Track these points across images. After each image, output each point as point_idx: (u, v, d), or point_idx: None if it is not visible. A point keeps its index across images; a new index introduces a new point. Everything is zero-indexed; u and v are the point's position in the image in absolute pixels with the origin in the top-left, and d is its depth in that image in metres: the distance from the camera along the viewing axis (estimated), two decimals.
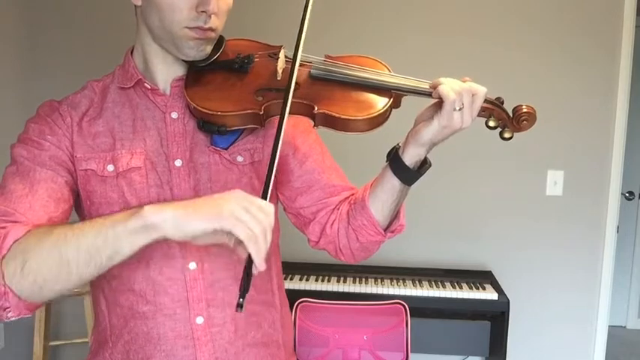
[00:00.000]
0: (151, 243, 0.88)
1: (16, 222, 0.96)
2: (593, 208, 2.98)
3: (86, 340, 2.68)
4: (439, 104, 1.02)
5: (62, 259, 0.89)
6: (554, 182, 2.98)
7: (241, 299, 0.85)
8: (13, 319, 0.93)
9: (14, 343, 2.92)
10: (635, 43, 2.94)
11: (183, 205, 0.89)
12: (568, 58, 2.91)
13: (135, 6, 1.10)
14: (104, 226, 0.89)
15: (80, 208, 1.11)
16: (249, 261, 0.86)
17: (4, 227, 0.94)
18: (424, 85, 1.06)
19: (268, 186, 0.94)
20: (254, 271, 0.86)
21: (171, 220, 0.86)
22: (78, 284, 0.92)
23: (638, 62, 3.29)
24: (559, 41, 2.91)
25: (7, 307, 0.92)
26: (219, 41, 1.13)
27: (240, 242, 0.86)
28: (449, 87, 1.00)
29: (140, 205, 0.88)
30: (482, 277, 2.86)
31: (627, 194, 4.02)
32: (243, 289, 0.86)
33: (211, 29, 1.06)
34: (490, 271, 2.96)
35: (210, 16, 1.04)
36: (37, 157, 1.05)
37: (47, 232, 0.92)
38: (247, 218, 0.85)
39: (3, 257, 0.91)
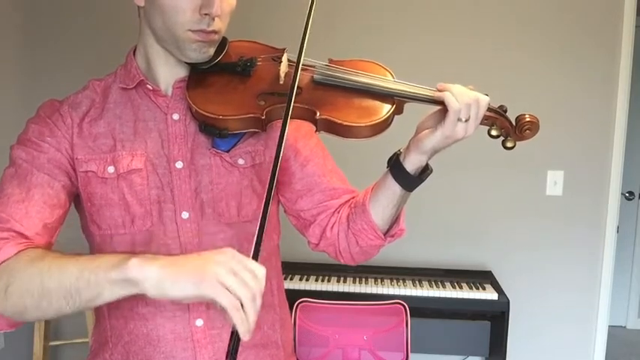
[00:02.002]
0: (131, 295, 0.87)
1: (10, 230, 0.98)
2: (593, 208, 2.98)
3: (86, 340, 2.68)
4: (443, 112, 1.01)
5: (43, 291, 0.90)
6: (554, 182, 2.98)
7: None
8: None
9: (14, 343, 2.92)
10: (635, 43, 2.94)
11: (170, 262, 0.86)
12: (568, 58, 2.91)
13: (138, 7, 1.10)
14: (87, 269, 0.88)
15: (82, 209, 1.11)
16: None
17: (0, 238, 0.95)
18: (427, 92, 1.05)
19: (259, 244, 0.89)
20: (242, 337, 0.82)
21: (153, 280, 0.84)
22: (57, 315, 0.94)
23: (638, 62, 3.29)
24: (559, 41, 2.90)
25: None
26: (222, 43, 1.12)
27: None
28: (455, 96, 0.99)
29: (128, 255, 0.87)
30: (482, 277, 2.86)
31: (627, 194, 4.02)
32: (232, 352, 0.83)
33: (214, 32, 1.06)
34: (490, 271, 2.97)
35: (213, 19, 1.03)
36: (36, 159, 1.05)
37: (36, 259, 0.93)
38: (234, 284, 0.81)
39: None
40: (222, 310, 0.82)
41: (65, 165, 1.07)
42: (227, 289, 0.81)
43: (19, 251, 0.95)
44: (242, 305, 0.82)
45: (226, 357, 0.83)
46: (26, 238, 0.99)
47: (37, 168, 1.04)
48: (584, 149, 2.95)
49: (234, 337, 0.83)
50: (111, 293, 0.87)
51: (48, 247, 1.03)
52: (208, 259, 0.85)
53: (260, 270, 0.85)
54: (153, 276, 0.84)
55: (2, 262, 0.93)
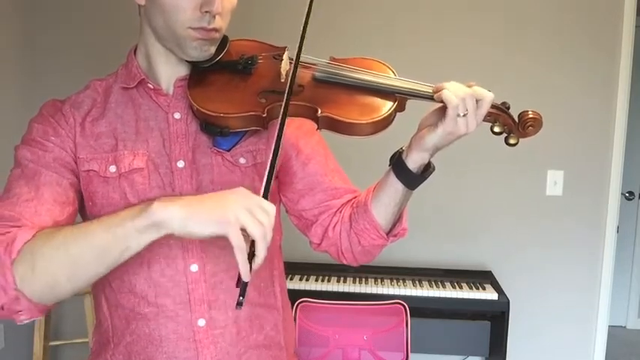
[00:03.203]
0: (159, 238, 0.90)
1: (21, 227, 0.96)
2: (593, 208, 2.98)
3: (86, 340, 2.68)
4: (443, 109, 1.01)
5: (72, 258, 0.91)
6: (554, 182, 2.98)
7: (241, 297, 0.88)
8: (26, 321, 0.95)
9: (14, 343, 2.92)
10: (635, 43, 2.94)
11: (189, 202, 0.90)
12: (568, 59, 2.91)
13: (138, 6, 1.09)
14: (112, 224, 0.90)
15: (83, 209, 1.11)
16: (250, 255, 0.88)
17: (10, 232, 0.94)
18: (429, 89, 1.05)
19: (269, 183, 0.94)
20: (243, 278, 0.87)
21: (178, 219, 0.88)
22: (90, 282, 0.96)
23: (638, 62, 3.29)
24: (559, 41, 2.91)
25: (20, 311, 0.93)
26: (223, 41, 1.12)
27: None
28: (452, 92, 0.99)
29: (149, 201, 0.89)
30: (482, 277, 2.86)
31: (627, 194, 4.02)
32: (242, 288, 0.88)
33: (215, 30, 1.05)
34: (490, 271, 2.97)
35: (214, 17, 1.03)
36: (42, 158, 1.05)
37: (55, 232, 0.94)
38: (250, 223, 0.87)
39: (13, 261, 0.91)
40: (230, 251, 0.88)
41: (71, 163, 1.07)
42: (244, 227, 0.87)
43: (36, 233, 0.94)
44: (255, 242, 0.87)
45: (239, 294, 0.88)
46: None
47: (43, 167, 1.04)
48: (584, 149, 2.95)
49: (241, 280, 0.88)
50: (139, 242, 0.90)
51: None
52: (226, 198, 0.90)
53: (271, 207, 0.90)
54: (177, 215, 0.88)
55: (23, 245, 0.92)
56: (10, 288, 0.91)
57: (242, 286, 0.88)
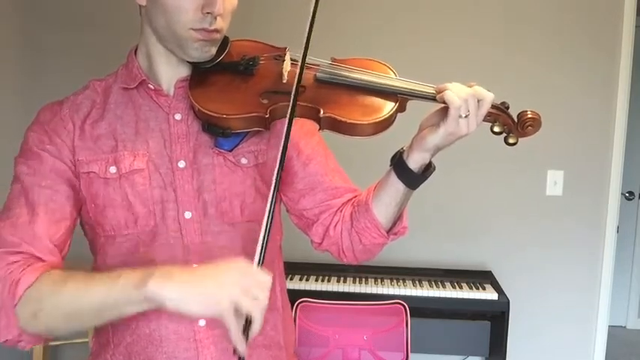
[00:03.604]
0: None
1: (23, 253, 1.00)
2: (593, 208, 2.98)
3: (86, 340, 2.67)
4: (444, 110, 1.02)
5: (74, 313, 0.96)
6: (554, 182, 2.98)
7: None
8: (26, 349, 1.03)
9: None
10: (635, 43, 2.94)
11: (186, 280, 0.91)
12: (568, 58, 2.92)
13: (139, 6, 1.09)
14: (112, 289, 0.93)
15: (85, 211, 1.10)
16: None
17: (15, 262, 0.98)
18: (430, 90, 1.05)
19: (264, 251, 0.94)
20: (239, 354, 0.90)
21: (173, 301, 0.89)
22: (89, 328, 1.03)
23: (638, 62, 3.29)
24: (559, 41, 2.91)
25: (21, 341, 1.00)
26: (224, 42, 1.12)
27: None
28: (454, 93, 1.00)
29: (148, 273, 0.91)
30: (482, 277, 2.86)
31: (627, 194, 4.02)
32: None
33: (216, 31, 1.05)
34: (490, 271, 2.97)
35: (215, 18, 1.03)
36: (38, 172, 1.05)
37: (57, 285, 0.97)
38: (245, 302, 0.87)
39: (15, 305, 0.96)
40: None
41: (67, 173, 1.07)
42: (239, 308, 0.88)
43: (39, 275, 0.98)
44: (251, 320, 0.88)
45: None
46: (39, 259, 1.01)
47: (39, 183, 1.05)
48: (584, 149, 2.96)
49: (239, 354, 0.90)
50: (135, 309, 0.94)
51: (62, 261, 1.06)
52: (222, 279, 0.90)
53: (267, 280, 0.91)
54: (172, 297, 0.90)
55: (25, 290, 0.96)
56: (14, 327, 0.97)
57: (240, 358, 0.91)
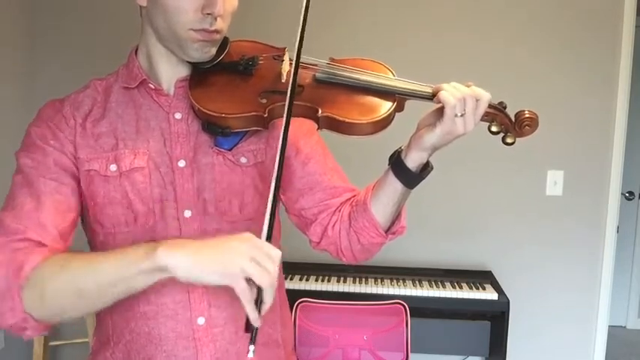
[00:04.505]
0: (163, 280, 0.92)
1: (28, 239, 0.99)
2: (593, 208, 2.98)
3: (86, 340, 2.68)
4: (441, 110, 1.02)
5: (80, 293, 0.94)
6: (554, 182, 2.98)
7: (252, 346, 0.89)
8: (32, 337, 1.00)
9: (14, 343, 2.92)
10: (635, 43, 2.94)
11: (195, 250, 0.90)
12: (568, 58, 2.92)
13: (140, 6, 1.10)
14: (120, 264, 0.92)
15: (84, 208, 1.11)
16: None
17: (19, 249, 0.97)
18: (427, 90, 1.06)
19: (272, 227, 0.94)
20: (253, 324, 0.88)
21: (182, 268, 0.89)
22: (96, 310, 1.01)
23: (638, 62, 3.30)
24: (559, 41, 2.91)
25: (26, 328, 0.97)
26: (224, 42, 1.13)
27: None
28: (449, 93, 1.00)
29: (155, 244, 0.91)
30: (482, 277, 2.87)
31: (627, 194, 4.02)
32: (252, 338, 0.89)
33: (216, 31, 1.06)
34: (490, 271, 2.97)
35: (215, 19, 1.04)
36: (42, 165, 1.05)
37: (64, 263, 0.96)
38: (256, 273, 0.86)
39: (22, 288, 0.94)
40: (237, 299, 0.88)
41: (71, 167, 1.07)
42: (250, 277, 0.86)
43: (44, 258, 0.97)
44: (262, 291, 0.87)
45: (249, 341, 0.89)
46: (44, 246, 1.00)
47: (44, 174, 1.05)
48: (584, 149, 2.96)
49: (251, 325, 0.89)
50: (145, 282, 0.92)
51: (66, 251, 1.04)
52: (231, 249, 0.89)
53: (276, 253, 0.90)
54: (182, 264, 0.89)
55: (31, 272, 0.95)
56: (19, 310, 0.95)
57: (253, 332, 0.89)
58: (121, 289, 0.92)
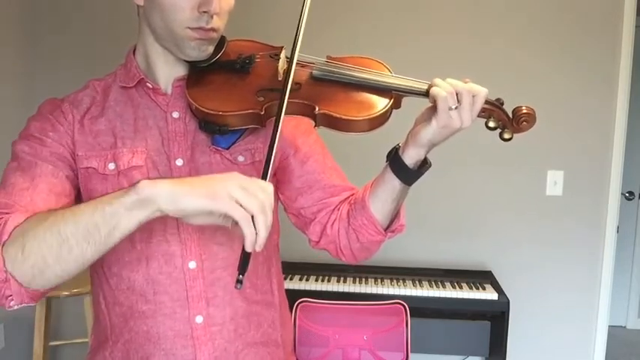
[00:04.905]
0: (149, 219, 0.88)
1: (15, 212, 0.96)
2: (593, 208, 2.98)
3: (86, 340, 2.68)
4: (436, 105, 1.02)
5: (61, 237, 0.88)
6: (554, 182, 2.98)
7: (240, 276, 0.86)
8: (16, 307, 0.93)
9: (14, 343, 2.92)
10: (635, 43, 2.94)
11: (180, 181, 0.89)
12: (568, 58, 2.92)
13: (137, 6, 1.10)
14: (101, 202, 0.89)
15: None
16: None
17: (2, 217, 0.94)
18: (424, 87, 1.06)
19: (268, 166, 0.94)
20: (249, 250, 0.86)
21: (166, 194, 0.86)
22: (80, 265, 0.91)
23: (638, 62, 3.29)
24: (559, 41, 2.91)
25: (9, 295, 0.92)
26: (221, 41, 1.13)
27: (237, 222, 0.85)
28: (441, 87, 1.01)
29: (137, 181, 0.88)
30: (482, 277, 2.87)
31: (627, 194, 4.02)
32: (242, 266, 0.87)
33: (213, 29, 1.06)
34: (490, 271, 2.97)
35: (212, 17, 1.04)
36: (39, 152, 1.05)
37: (46, 214, 0.93)
38: (244, 197, 0.85)
39: (3, 244, 0.91)
40: (234, 224, 0.86)
41: (68, 158, 1.07)
42: (238, 202, 0.84)
43: (28, 217, 0.94)
44: (253, 217, 0.84)
45: (238, 271, 0.87)
46: None
47: (40, 159, 1.04)
48: (584, 149, 2.96)
49: (244, 252, 0.87)
50: (129, 220, 0.87)
51: None
52: (220, 178, 0.88)
53: (268, 185, 0.89)
54: (166, 192, 0.86)
55: (14, 229, 0.92)
56: (0, 270, 0.90)
57: (243, 258, 0.86)
58: (103, 230, 0.87)
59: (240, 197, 0.85)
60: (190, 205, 0.86)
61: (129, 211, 0.87)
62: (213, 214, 0.87)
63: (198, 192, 0.86)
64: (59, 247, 0.89)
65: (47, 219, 0.91)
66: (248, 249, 0.85)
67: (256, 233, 0.85)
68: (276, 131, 0.98)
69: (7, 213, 0.96)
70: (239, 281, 0.86)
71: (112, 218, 0.87)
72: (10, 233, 0.91)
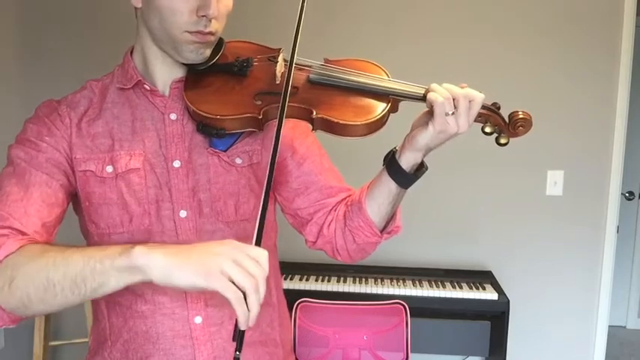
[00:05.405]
0: (136, 283, 0.88)
1: (10, 227, 0.98)
2: (593, 208, 2.98)
3: (86, 340, 2.68)
4: (432, 110, 1.02)
5: (48, 283, 0.90)
6: (554, 182, 2.98)
7: (237, 352, 0.85)
8: None
9: (14, 343, 2.93)
10: (635, 43, 2.94)
11: (175, 251, 0.88)
12: (568, 58, 2.91)
13: (135, 8, 1.10)
14: (93, 257, 0.88)
15: (79, 208, 1.12)
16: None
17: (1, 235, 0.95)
18: (421, 91, 1.06)
19: (262, 230, 0.92)
20: (243, 329, 0.84)
21: (159, 268, 0.86)
22: (61, 308, 0.93)
23: (638, 62, 3.29)
24: (559, 41, 2.91)
25: None
26: (219, 44, 1.13)
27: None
28: (437, 92, 1.01)
29: (132, 244, 0.88)
30: (482, 277, 2.87)
31: (627, 194, 4.02)
32: (238, 344, 0.85)
33: (211, 33, 1.06)
34: (490, 271, 2.97)
35: (210, 20, 1.04)
36: (34, 158, 1.05)
37: (39, 253, 0.93)
38: (238, 274, 0.83)
39: None
40: (227, 301, 0.84)
41: (64, 164, 1.07)
42: (231, 279, 0.83)
43: (22, 246, 0.95)
44: (245, 295, 0.83)
45: (236, 347, 0.85)
46: (26, 235, 0.99)
47: (35, 167, 1.05)
48: (584, 149, 2.95)
49: (239, 330, 0.85)
50: (117, 281, 0.88)
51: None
52: (211, 251, 0.87)
53: (262, 255, 0.87)
54: (159, 264, 0.85)
55: (5, 257, 0.93)
56: None
57: (238, 336, 0.85)
58: (89, 286, 0.88)
59: (234, 275, 0.83)
60: (182, 282, 0.85)
61: (119, 273, 0.87)
62: (206, 290, 0.85)
63: (191, 268, 0.85)
64: (45, 291, 0.90)
65: (39, 259, 0.91)
66: (242, 327, 0.84)
67: (248, 310, 0.83)
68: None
69: (2, 227, 0.97)
70: (236, 358, 0.85)
71: (101, 276, 0.88)
72: (1, 261, 0.93)
